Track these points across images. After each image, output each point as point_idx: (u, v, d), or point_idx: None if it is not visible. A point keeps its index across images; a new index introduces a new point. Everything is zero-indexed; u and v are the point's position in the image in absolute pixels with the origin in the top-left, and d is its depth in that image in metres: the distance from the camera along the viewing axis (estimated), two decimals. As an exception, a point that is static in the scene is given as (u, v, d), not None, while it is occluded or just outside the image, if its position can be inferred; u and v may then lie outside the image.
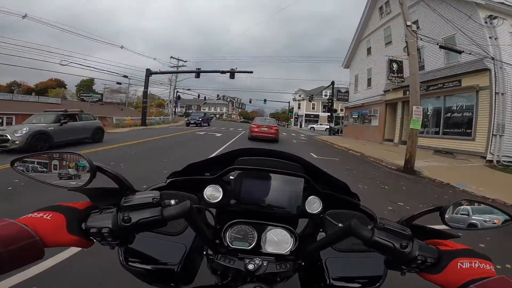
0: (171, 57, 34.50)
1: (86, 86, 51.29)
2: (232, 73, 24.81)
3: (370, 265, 0.67)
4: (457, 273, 0.48)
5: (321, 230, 0.75)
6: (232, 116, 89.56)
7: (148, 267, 0.65)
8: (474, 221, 0.59)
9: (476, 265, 0.48)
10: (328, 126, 46.61)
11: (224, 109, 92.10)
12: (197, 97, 56.60)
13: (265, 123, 14.19)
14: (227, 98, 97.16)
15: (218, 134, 17.31)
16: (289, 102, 55.47)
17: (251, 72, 25.31)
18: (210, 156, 0.84)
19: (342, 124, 30.27)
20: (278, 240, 0.69)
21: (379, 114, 18.43)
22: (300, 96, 54.67)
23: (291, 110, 55.84)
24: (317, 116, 51.64)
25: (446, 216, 0.56)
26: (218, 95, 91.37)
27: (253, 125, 14.09)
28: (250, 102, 55.26)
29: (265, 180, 0.75)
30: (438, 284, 0.50)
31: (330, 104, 27.75)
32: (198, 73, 26.53)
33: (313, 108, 52.39)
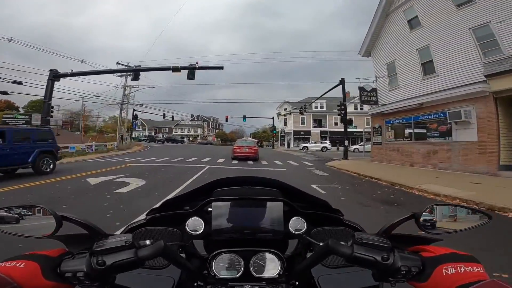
0: (118, 63, 24.33)
1: (38, 107, 41.41)
2: (191, 70, 15.27)
3: (363, 278, 0.65)
4: (443, 280, 0.47)
5: (310, 248, 0.75)
6: (208, 138, 79.05)
7: None
8: (450, 224, 0.59)
9: (462, 269, 0.47)
10: (327, 145, 36.67)
11: (199, 131, 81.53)
12: (171, 119, 46.78)
13: (246, 144, 16.79)
14: (201, 118, 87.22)
15: (132, 185, 7.19)
16: (272, 118, 46.62)
17: (221, 68, 15.93)
18: (186, 191, 0.83)
19: (367, 141, 21.53)
20: (265, 265, 0.71)
21: (476, 119, 9.44)
22: (285, 109, 45.96)
23: (274, 128, 46.80)
24: (308, 132, 42.99)
25: (421, 221, 0.57)
26: (192, 115, 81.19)
27: (235, 147, 16.81)
28: (226, 120, 45.80)
29: (245, 208, 0.75)
30: None
31: (342, 111, 17.93)
32: (137, 71, 16.69)
33: (303, 123, 43.80)
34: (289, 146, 44.68)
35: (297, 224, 0.77)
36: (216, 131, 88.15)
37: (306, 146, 37.21)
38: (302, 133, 43.27)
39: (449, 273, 0.47)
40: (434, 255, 0.51)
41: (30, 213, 0.57)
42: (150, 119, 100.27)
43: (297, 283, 0.69)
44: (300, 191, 0.82)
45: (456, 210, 0.61)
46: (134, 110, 41.31)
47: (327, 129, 43.33)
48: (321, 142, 37.60)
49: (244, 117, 45.20)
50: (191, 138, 77.86)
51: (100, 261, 0.50)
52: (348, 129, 21.39)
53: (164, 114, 44.39)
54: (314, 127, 43.88)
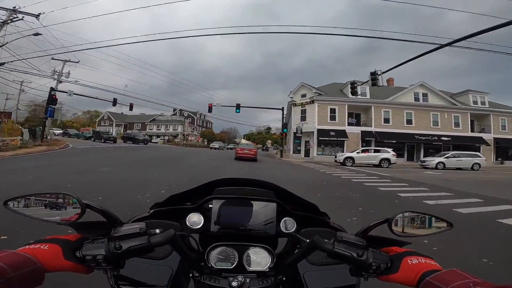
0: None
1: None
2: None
3: (344, 276, 0.70)
4: (411, 269, 0.54)
5: (298, 247, 0.80)
6: (190, 138, 61.29)
7: None
8: (418, 229, 0.67)
9: (423, 260, 0.55)
10: (390, 155, 18.44)
11: (180, 128, 63.80)
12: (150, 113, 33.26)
13: (247, 147, 19.91)
14: (184, 113, 69.92)
15: None
16: (282, 110, 29.61)
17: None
18: (189, 188, 0.89)
19: None
20: (257, 258, 0.76)
21: None
22: (304, 96, 28.99)
23: (285, 125, 30.00)
24: (343, 133, 26.39)
25: (393, 226, 0.64)
26: (174, 110, 63.45)
27: (238, 149, 19.45)
28: (210, 110, 28.91)
29: (242, 206, 0.81)
30: (398, 282, 0.56)
31: None
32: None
33: (333, 118, 27.03)
34: (308, 153, 27.79)
35: (287, 223, 0.83)
36: (202, 129, 70.29)
37: (351, 157, 20.15)
38: (332, 133, 26.35)
39: (414, 262, 0.55)
40: (399, 252, 0.61)
41: (57, 200, 0.60)
42: (122, 112, 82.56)
43: (284, 278, 0.74)
44: (292, 193, 0.90)
45: (423, 217, 0.68)
46: (51, 90, 24.10)
47: (373, 128, 26.75)
48: (375, 151, 20.83)
49: (238, 108, 28.48)
50: (167, 138, 60.06)
51: (117, 246, 0.55)
52: None
53: (131, 105, 27.32)
54: (350, 124, 27.12)
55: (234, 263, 0.74)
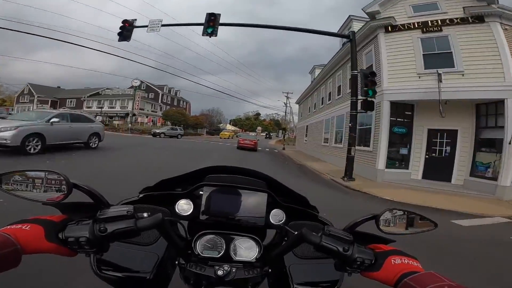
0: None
1: None
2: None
3: (328, 270, 0.71)
4: (392, 269, 0.55)
5: (285, 239, 0.79)
6: (140, 119, 39.84)
7: (120, 274, 0.67)
8: (403, 228, 0.67)
9: (406, 261, 0.56)
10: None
11: (130, 106, 41.69)
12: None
13: (248, 138, 21.55)
14: (143, 86, 48.14)
15: None
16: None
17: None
18: (180, 174, 0.86)
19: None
20: (244, 248, 0.75)
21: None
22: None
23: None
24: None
25: (380, 224, 0.64)
26: (135, 82, 40.45)
27: (240, 139, 20.86)
28: (122, 35, 9.47)
29: (233, 195, 0.80)
30: (378, 280, 0.57)
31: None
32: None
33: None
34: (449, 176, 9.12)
35: (277, 215, 0.82)
36: (168, 108, 48.58)
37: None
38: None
39: (396, 262, 0.56)
40: (384, 250, 0.61)
41: (43, 177, 0.57)
42: (59, 86, 58.98)
43: (270, 270, 0.73)
44: (283, 185, 0.88)
45: (408, 215, 0.68)
46: None
47: None
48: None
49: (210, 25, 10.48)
50: (100, 118, 37.50)
51: (102, 228, 0.53)
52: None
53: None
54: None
55: (221, 252, 0.74)
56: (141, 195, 0.81)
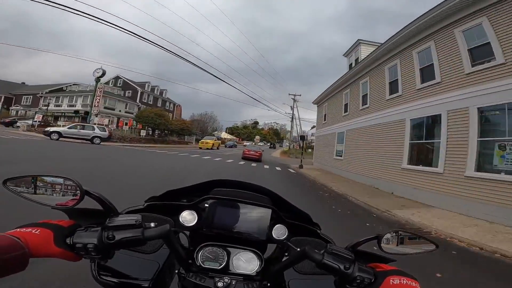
0: None
1: None
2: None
3: (327, 286, 0.70)
4: None
5: (286, 254, 0.80)
6: (103, 120, 29.95)
7: (119, 281, 0.67)
8: (405, 248, 0.68)
9: (404, 282, 0.56)
10: None
11: (84, 102, 31.64)
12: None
13: (253, 149, 20.66)
14: (119, 83, 39.07)
15: None
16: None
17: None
18: (186, 186, 0.88)
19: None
20: (245, 262, 0.75)
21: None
22: None
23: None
24: None
25: (383, 243, 0.65)
26: (97, 72, 29.79)
27: (245, 150, 20.29)
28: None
29: (237, 209, 0.80)
30: None
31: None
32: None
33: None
34: None
35: (279, 231, 0.82)
36: (142, 108, 38.21)
37: None
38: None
39: (395, 283, 0.55)
40: (384, 269, 0.61)
41: (58, 183, 0.59)
42: (24, 83, 48.75)
43: (269, 284, 0.73)
44: (287, 202, 0.89)
45: (410, 236, 0.69)
46: None
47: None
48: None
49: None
50: (33, 121, 25.45)
51: (110, 236, 0.54)
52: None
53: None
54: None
55: (222, 264, 0.74)
56: (146, 204, 0.82)
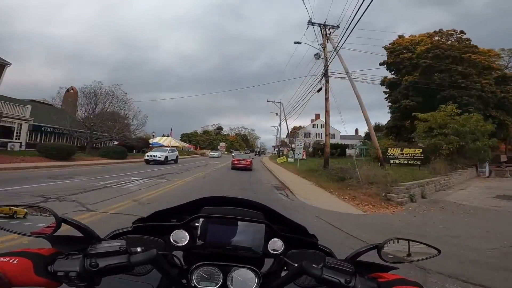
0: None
1: None
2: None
3: None
4: None
5: (285, 268, 0.79)
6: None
7: None
8: (405, 255, 0.68)
9: None
10: None
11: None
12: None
13: (242, 158, 20.23)
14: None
15: None
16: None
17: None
18: (175, 205, 0.86)
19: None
20: (243, 280, 0.73)
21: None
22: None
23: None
24: None
25: (383, 252, 0.66)
26: None
27: (234, 159, 19.54)
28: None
29: (230, 226, 0.79)
30: None
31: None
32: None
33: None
34: None
35: (275, 245, 0.81)
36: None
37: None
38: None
39: None
40: (388, 280, 0.59)
41: (34, 212, 0.60)
42: None
43: None
44: (281, 215, 0.88)
45: (410, 243, 0.69)
46: None
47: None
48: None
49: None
50: None
51: (93, 263, 0.53)
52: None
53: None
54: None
55: (218, 284, 0.72)
56: (134, 226, 0.81)
